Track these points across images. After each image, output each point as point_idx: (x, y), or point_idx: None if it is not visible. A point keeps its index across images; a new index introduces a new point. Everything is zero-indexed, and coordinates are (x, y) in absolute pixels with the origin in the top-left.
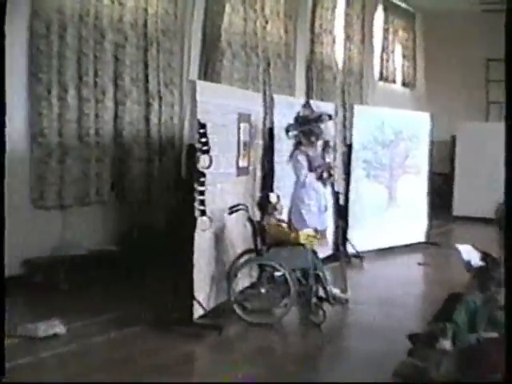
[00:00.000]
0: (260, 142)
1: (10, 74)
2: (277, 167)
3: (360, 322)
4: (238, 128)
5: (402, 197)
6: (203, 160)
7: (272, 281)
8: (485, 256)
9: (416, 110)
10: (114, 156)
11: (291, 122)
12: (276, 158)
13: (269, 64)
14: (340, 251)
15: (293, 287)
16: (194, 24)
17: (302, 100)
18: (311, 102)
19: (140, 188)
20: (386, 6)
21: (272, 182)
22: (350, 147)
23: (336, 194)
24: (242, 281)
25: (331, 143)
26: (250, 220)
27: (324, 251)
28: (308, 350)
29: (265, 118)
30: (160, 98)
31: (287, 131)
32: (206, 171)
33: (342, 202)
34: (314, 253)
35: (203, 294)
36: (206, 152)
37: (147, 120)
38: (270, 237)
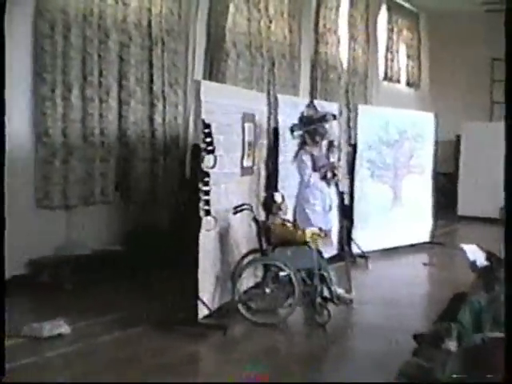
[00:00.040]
0: (264, 141)
1: (14, 74)
2: (281, 167)
3: (365, 322)
4: (243, 128)
5: (407, 197)
6: (208, 160)
7: (277, 281)
8: (490, 256)
9: (420, 109)
10: (118, 156)
11: (295, 121)
12: (280, 158)
13: (273, 64)
14: (345, 251)
15: (297, 287)
16: (198, 24)
17: (307, 100)
18: (315, 101)
19: (145, 188)
20: (389, 6)
21: (276, 181)
22: (354, 147)
23: (340, 194)
24: (247, 281)
25: (336, 143)
26: (255, 220)
27: (329, 251)
28: (313, 350)
29: (269, 118)
30: (164, 98)
31: (292, 131)
32: (210, 171)
33: (346, 201)
34: (319, 253)
35: (208, 294)
36: (211, 152)
37: (152, 120)
38: (276, 236)
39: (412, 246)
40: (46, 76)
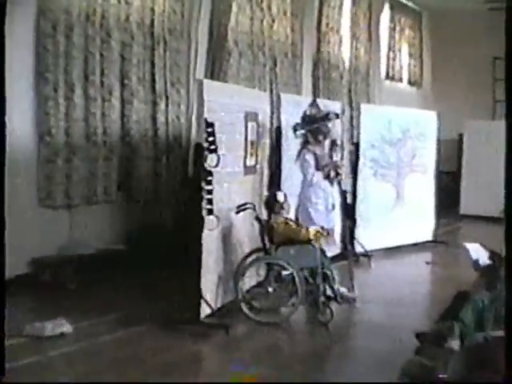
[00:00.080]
0: (267, 140)
1: (16, 74)
2: (284, 166)
3: (367, 320)
4: (246, 127)
5: (410, 195)
6: (211, 159)
7: (280, 280)
8: (493, 255)
9: (423, 108)
10: (121, 155)
11: (298, 120)
12: (283, 157)
13: (275, 63)
14: (348, 250)
15: (300, 286)
16: (200, 23)
17: (309, 99)
18: (318, 100)
19: (147, 187)
20: (392, 5)
21: (279, 180)
22: (357, 146)
23: (343, 193)
24: (250, 280)
25: (338, 142)
26: (258, 219)
27: (332, 250)
28: (315, 349)
29: (272, 117)
30: (167, 97)
31: (295, 130)
32: (213, 170)
33: (349, 200)
34: (323, 251)
35: (210, 293)
36: (214, 151)
37: (154, 119)
38: (279, 235)
39: (415, 244)
40: (49, 75)
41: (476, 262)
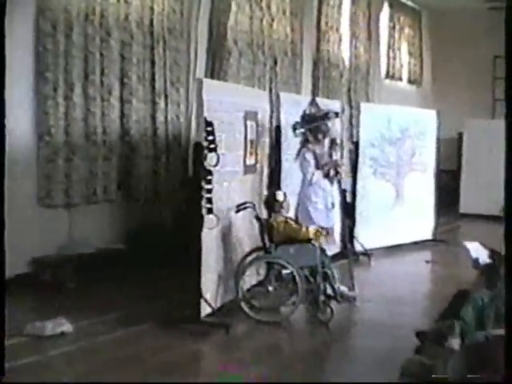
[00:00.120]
0: (267, 139)
1: (16, 74)
2: (284, 165)
3: (367, 319)
4: (245, 126)
5: (409, 194)
6: (210, 158)
7: (280, 279)
8: (492, 253)
9: (422, 107)
10: (120, 154)
11: (298, 119)
12: (283, 156)
13: (275, 62)
14: (347, 249)
15: (301, 285)
16: (200, 22)
17: (309, 98)
18: (318, 99)
19: (147, 186)
20: (391, 4)
21: (279, 179)
22: (356, 145)
23: (343, 192)
24: (250, 279)
25: (338, 141)
26: (258, 218)
27: (331, 249)
28: (316, 348)
29: (271, 116)
30: (166, 97)
31: (294, 129)
32: (212, 169)
33: (349, 199)
34: (323, 250)
35: (211, 292)
36: (213, 150)
37: (154, 118)
38: (279, 234)
39: (414, 243)
40: (48, 75)
41: (476, 261)
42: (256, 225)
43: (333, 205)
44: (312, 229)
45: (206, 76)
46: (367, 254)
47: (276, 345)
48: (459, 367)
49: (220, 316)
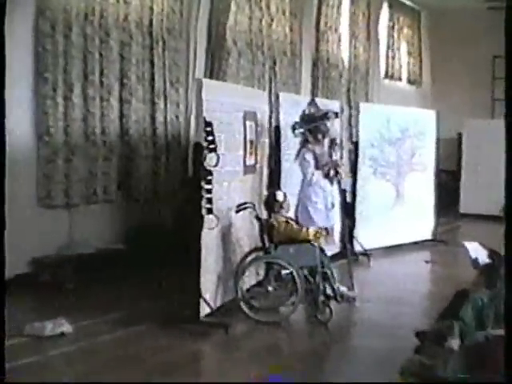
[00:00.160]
0: (266, 140)
1: (15, 74)
2: (283, 165)
3: (367, 319)
4: (244, 126)
5: (409, 194)
6: (210, 158)
7: (279, 279)
8: (492, 253)
9: (422, 107)
10: (120, 155)
11: (297, 119)
12: (282, 156)
13: (274, 62)
14: (347, 249)
15: (300, 285)
16: (199, 22)
17: (308, 98)
18: (317, 99)
19: (147, 186)
20: (391, 4)
21: (279, 179)
22: (356, 145)
23: (343, 192)
24: (249, 279)
25: (337, 141)
26: (258, 218)
27: (331, 249)
28: (315, 349)
29: (271, 116)
30: (166, 97)
31: (293, 129)
32: (212, 169)
33: (348, 199)
34: (322, 250)
35: (210, 293)
36: (213, 150)
37: (153, 118)
38: (279, 234)
39: (414, 243)
40: (48, 75)
41: (475, 261)
42: (256, 225)
43: (333, 205)
44: (312, 230)
45: (205, 76)
46: (367, 253)
47: (275, 345)
48: (459, 367)
49: (219, 316)
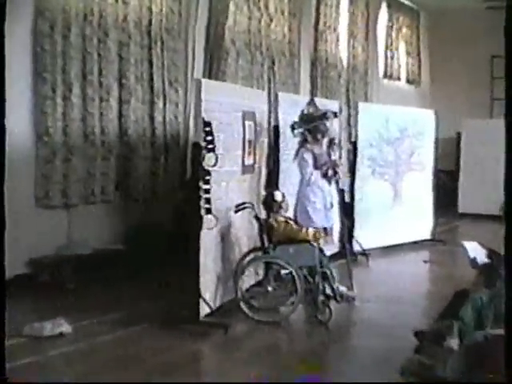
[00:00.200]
0: (265, 139)
1: (14, 74)
2: (282, 165)
3: (366, 319)
4: (243, 126)
5: (408, 194)
6: (209, 158)
7: (279, 279)
8: (491, 253)
9: (421, 107)
10: (119, 155)
11: (296, 119)
12: (281, 156)
13: (273, 62)
14: (346, 249)
15: (300, 285)
16: (198, 22)
17: (307, 98)
18: (316, 99)
19: (145, 187)
20: (389, 4)
21: (277, 179)
22: (354, 145)
23: (341, 192)
24: (249, 279)
25: (336, 141)
26: (257, 218)
27: (330, 249)
28: (315, 348)
29: (269, 116)
30: (165, 97)
31: (292, 129)
32: (211, 169)
33: (347, 199)
34: (321, 250)
35: (209, 293)
36: (212, 150)
37: (152, 118)
38: (278, 234)
39: (413, 243)
40: (46, 75)
41: (474, 261)
42: (255, 225)
43: (331, 205)
44: (311, 230)
45: (204, 76)
46: (365, 253)
47: (275, 345)
48: (458, 367)
49: (219, 316)
